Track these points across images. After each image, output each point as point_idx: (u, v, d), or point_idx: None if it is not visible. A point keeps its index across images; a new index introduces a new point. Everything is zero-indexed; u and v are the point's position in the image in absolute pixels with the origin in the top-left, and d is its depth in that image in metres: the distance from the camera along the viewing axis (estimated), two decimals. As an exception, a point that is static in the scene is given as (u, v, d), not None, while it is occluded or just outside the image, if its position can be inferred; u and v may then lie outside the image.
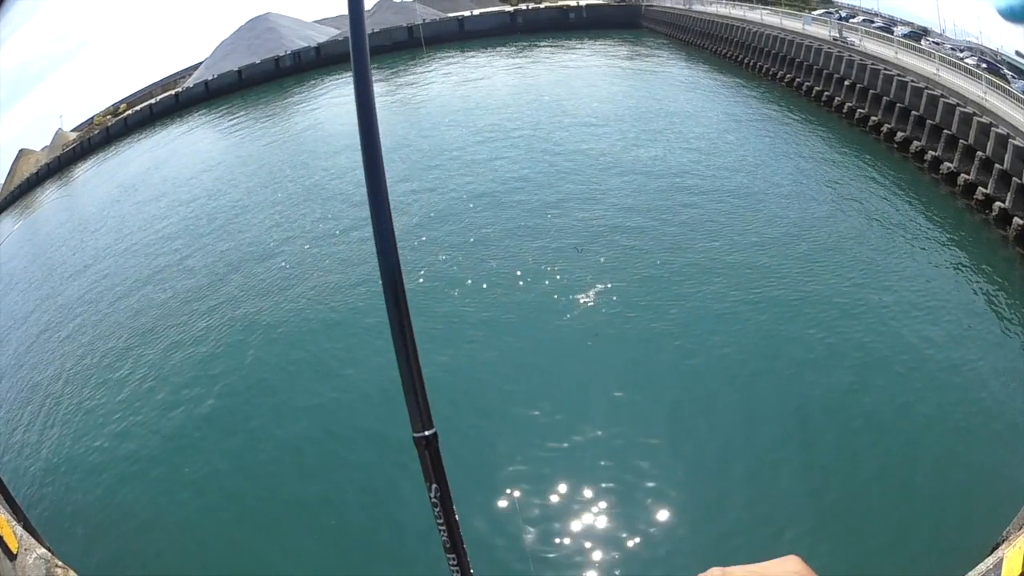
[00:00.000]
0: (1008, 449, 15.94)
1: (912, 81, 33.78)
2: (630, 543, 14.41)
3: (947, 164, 29.48)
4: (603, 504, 15.29)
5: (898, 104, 34.54)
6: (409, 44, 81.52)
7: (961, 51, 41.21)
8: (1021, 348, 19.67)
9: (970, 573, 9.35)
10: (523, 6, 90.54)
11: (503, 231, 28.61)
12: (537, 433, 17.43)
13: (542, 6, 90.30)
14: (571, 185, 32.64)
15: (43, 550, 11.83)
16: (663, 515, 14.92)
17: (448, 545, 2.05)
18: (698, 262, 24.77)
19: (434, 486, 2.03)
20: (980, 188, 26.92)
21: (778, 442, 16.70)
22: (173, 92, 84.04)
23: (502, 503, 15.53)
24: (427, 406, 2.02)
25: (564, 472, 16.11)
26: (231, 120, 65.09)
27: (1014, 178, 25.18)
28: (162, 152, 60.74)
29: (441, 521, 2.04)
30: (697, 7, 70.57)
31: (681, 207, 29.22)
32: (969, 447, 16.13)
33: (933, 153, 30.78)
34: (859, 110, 38.12)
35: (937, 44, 43.12)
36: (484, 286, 24.63)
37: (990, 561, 9.82)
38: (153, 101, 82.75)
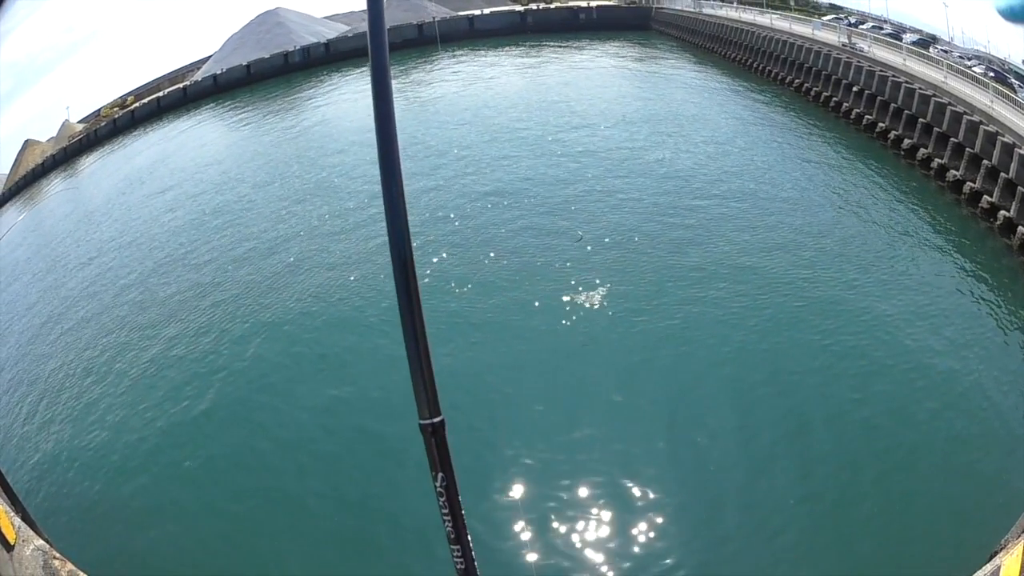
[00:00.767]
0: (1008, 458, 15.90)
1: (920, 88, 33.73)
2: (627, 542, 14.42)
3: (953, 172, 29.43)
4: (601, 504, 15.31)
5: (905, 111, 34.51)
6: (419, 42, 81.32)
7: (969, 59, 41.16)
8: (1023, 357, 19.61)
9: (968, 580, 9.34)
10: (533, 6, 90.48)
11: (508, 230, 28.61)
12: (538, 431, 17.44)
13: (552, 6, 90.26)
14: (577, 186, 32.61)
15: (41, 541, 11.82)
16: (660, 515, 14.94)
17: (452, 536, 2.10)
18: (702, 266, 24.73)
19: (440, 475, 2.06)
20: (985, 196, 26.88)
21: (777, 448, 16.67)
22: (181, 86, 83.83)
23: (500, 497, 15.55)
24: (435, 393, 2.05)
25: (563, 471, 16.15)
26: (239, 115, 65.00)
27: (1019, 187, 25.16)
28: (169, 145, 60.65)
29: (446, 511, 2.07)
30: (707, 10, 70.45)
31: (687, 210, 29.19)
32: (969, 455, 16.09)
33: (939, 161, 30.73)
34: (867, 116, 38.05)
35: (945, 52, 43.06)
36: (488, 283, 24.63)
37: (988, 569, 9.81)
38: (161, 94, 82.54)
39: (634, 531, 14.62)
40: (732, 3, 68.52)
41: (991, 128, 27.70)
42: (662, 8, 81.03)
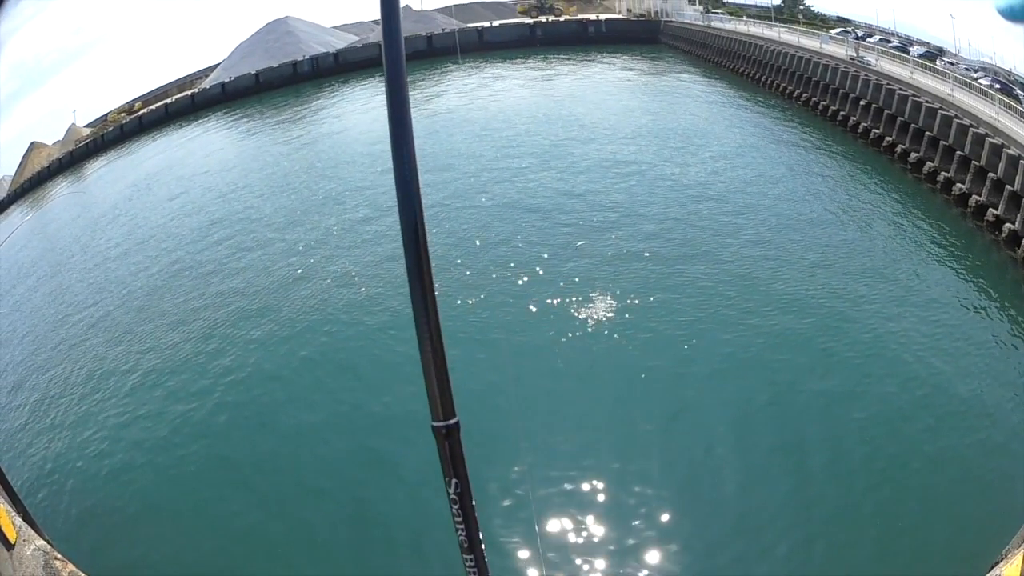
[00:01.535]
0: (1009, 469, 15.79)
1: (927, 101, 33.68)
2: (635, 551, 14.32)
3: (959, 185, 29.35)
4: (610, 511, 15.25)
5: (912, 124, 34.44)
6: (429, 53, 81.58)
7: (975, 71, 41.10)
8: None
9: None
10: (543, 19, 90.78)
11: (515, 241, 28.60)
12: (546, 437, 17.38)
13: (562, 19, 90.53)
14: (585, 200, 32.54)
15: (42, 542, 11.81)
16: (674, 524, 14.85)
17: (465, 545, 2.02)
18: (708, 279, 24.65)
19: (453, 481, 1.96)
20: (991, 209, 26.78)
21: (780, 457, 16.61)
22: (189, 93, 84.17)
23: (507, 505, 15.47)
24: (449, 393, 1.98)
25: (570, 477, 16.09)
26: (247, 124, 65.23)
27: (1024, 198, 25.11)
28: (177, 153, 60.84)
29: (459, 519, 1.97)
30: (716, 24, 70.57)
31: (694, 225, 29.08)
32: (970, 466, 16.00)
33: (946, 174, 30.65)
34: (874, 130, 38.00)
35: (952, 64, 43.01)
36: (491, 293, 24.62)
37: (989, 579, 9.75)
38: (169, 101, 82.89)
39: (643, 541, 14.50)
40: (741, 17, 68.67)
41: (996, 140, 27.64)
42: (671, 21, 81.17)
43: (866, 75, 40.34)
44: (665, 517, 15.02)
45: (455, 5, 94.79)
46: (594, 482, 15.99)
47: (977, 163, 28.59)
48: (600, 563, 14.12)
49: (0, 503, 12.56)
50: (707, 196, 32.36)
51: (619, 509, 15.33)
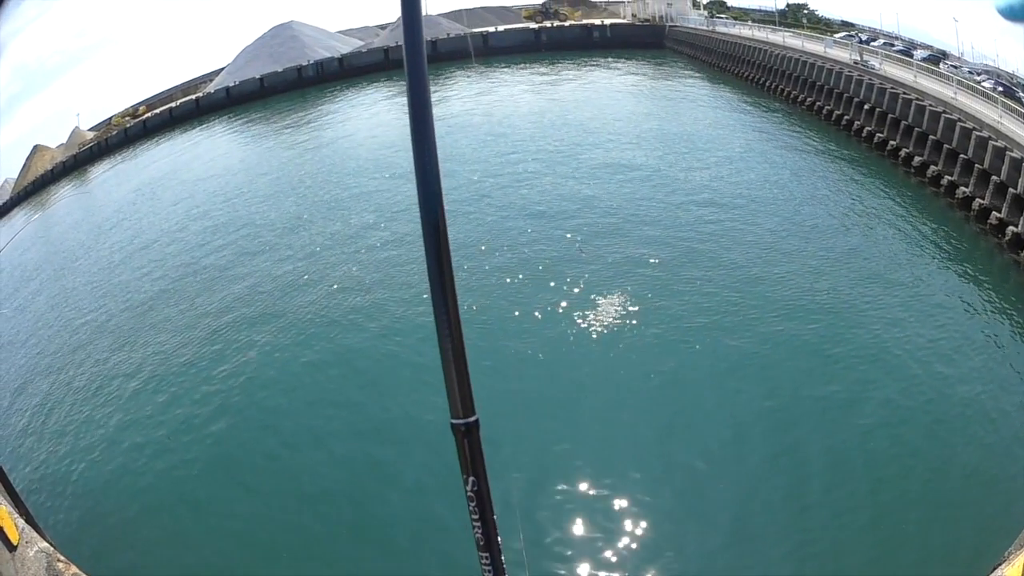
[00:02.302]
0: (1012, 472, 15.75)
1: (930, 105, 33.63)
2: (648, 552, 14.34)
3: (963, 189, 29.30)
4: (618, 510, 15.29)
5: (916, 128, 34.39)
6: (434, 58, 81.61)
7: (978, 74, 41.08)
8: (1028, 372, 19.48)
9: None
10: (548, 24, 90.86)
11: (517, 250, 28.57)
12: (541, 438, 17.38)
13: (566, 24, 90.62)
14: (591, 205, 32.51)
15: (44, 544, 11.85)
16: (686, 524, 14.91)
17: (482, 543, 2.01)
18: (709, 280, 24.71)
19: (471, 479, 1.95)
20: (994, 212, 26.73)
21: (780, 459, 16.59)
22: (194, 97, 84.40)
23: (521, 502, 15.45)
24: (469, 389, 1.92)
25: (562, 481, 16.07)
26: (252, 129, 65.35)
27: (1027, 201, 25.09)
28: (182, 157, 61.00)
29: (476, 516, 1.98)
30: (721, 29, 70.57)
31: (697, 229, 29.01)
32: (973, 470, 15.95)
33: (950, 178, 30.60)
34: (878, 134, 37.95)
35: (955, 68, 43.00)
36: (495, 295, 24.64)
37: (990, 581, 9.74)
38: (173, 105, 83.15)
39: (645, 542, 14.50)
40: (747, 21, 68.70)
41: (1000, 143, 27.58)
42: (676, 26, 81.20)
43: (870, 79, 40.29)
44: (670, 519, 15.03)
45: (459, 10, 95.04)
46: (592, 484, 15.99)
47: (980, 166, 28.54)
48: (601, 565, 14.12)
49: (3, 505, 12.60)
50: (711, 201, 32.32)
51: (622, 512, 15.32)
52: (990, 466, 16.03)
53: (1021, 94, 34.83)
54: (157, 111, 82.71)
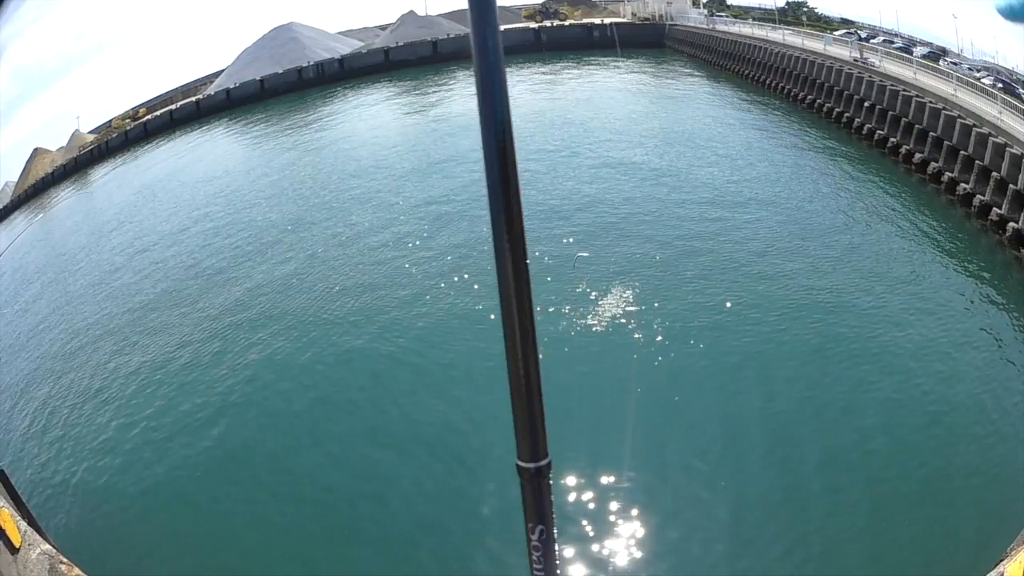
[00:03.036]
0: (1015, 466, 15.74)
1: (930, 102, 33.60)
2: (630, 553, 14.36)
3: (963, 185, 29.28)
4: (611, 513, 15.27)
5: (916, 125, 34.38)
6: (434, 59, 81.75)
7: (978, 71, 41.06)
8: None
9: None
10: (548, 24, 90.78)
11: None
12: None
13: (567, 24, 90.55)
14: (592, 205, 32.44)
15: (47, 546, 11.88)
16: (668, 527, 14.83)
17: None
18: (709, 279, 24.70)
19: (539, 528, 1.71)
20: (995, 209, 26.72)
21: (783, 458, 16.58)
22: (194, 99, 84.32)
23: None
24: (543, 427, 1.66)
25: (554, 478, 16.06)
26: (253, 131, 65.20)
27: (1028, 197, 25.08)
28: (182, 159, 60.98)
29: (540, 567, 1.75)
30: (720, 27, 70.48)
31: (696, 231, 28.85)
32: (976, 463, 15.96)
33: (950, 174, 30.58)
34: (878, 131, 37.91)
35: (955, 64, 42.97)
36: (492, 298, 24.56)
37: (991, 576, 9.73)
38: (174, 107, 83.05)
39: (654, 542, 14.51)
40: (747, 19, 68.65)
41: (1000, 139, 27.57)
42: (675, 25, 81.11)
43: (870, 76, 40.27)
44: (669, 518, 15.01)
45: (460, 10, 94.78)
46: (587, 481, 16.02)
47: (981, 163, 28.53)
48: (598, 564, 14.14)
49: (5, 508, 12.62)
50: (711, 200, 32.32)
51: (618, 510, 15.31)
52: (992, 462, 16.01)
53: (1021, 90, 34.77)
54: (157, 113, 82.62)
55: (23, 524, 12.42)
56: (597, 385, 19.58)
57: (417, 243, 30.42)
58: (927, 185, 32.29)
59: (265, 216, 38.80)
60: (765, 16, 70.38)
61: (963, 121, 30.55)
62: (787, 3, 77.15)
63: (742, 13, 77.13)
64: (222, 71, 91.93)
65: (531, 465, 1.66)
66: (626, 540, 14.58)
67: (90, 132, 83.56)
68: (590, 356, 21.04)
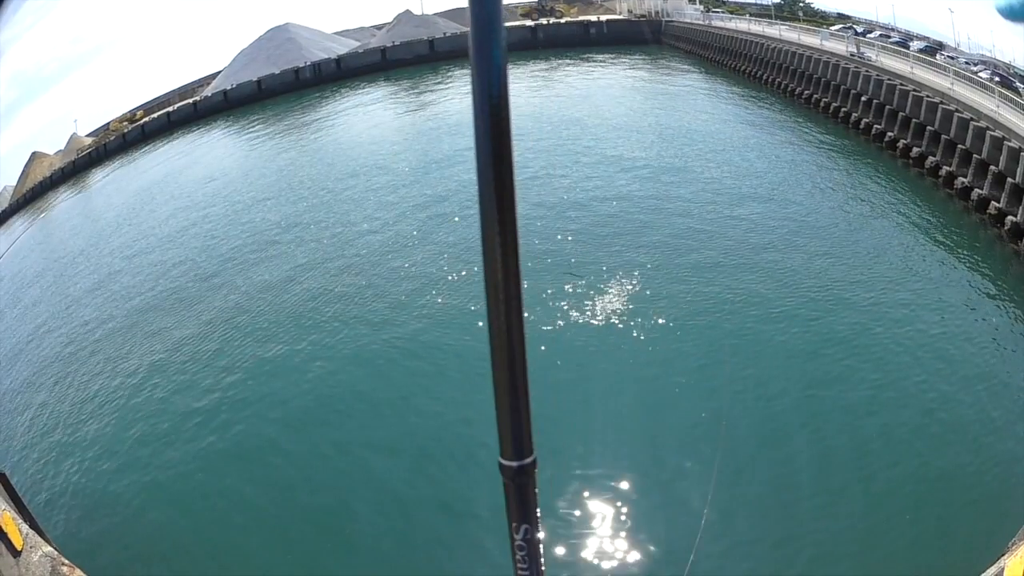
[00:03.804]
0: (1016, 462, 15.76)
1: (927, 96, 33.62)
2: (624, 550, 14.37)
3: (961, 179, 29.31)
4: (625, 513, 15.27)
5: (913, 119, 34.39)
6: (431, 57, 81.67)
7: (975, 65, 41.08)
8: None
9: (971, 581, 9.27)
10: (544, 21, 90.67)
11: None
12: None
13: (563, 21, 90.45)
14: (584, 207, 32.39)
15: (49, 548, 11.92)
16: (667, 527, 14.75)
17: None
18: (702, 274, 24.74)
19: (523, 527, 1.70)
20: (993, 203, 26.77)
21: (790, 456, 16.59)
22: (191, 100, 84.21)
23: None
24: (529, 426, 1.61)
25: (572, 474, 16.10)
26: (251, 132, 65.12)
27: (1025, 190, 25.10)
28: (181, 161, 60.92)
29: (524, 567, 1.74)
30: (717, 23, 70.45)
31: (693, 228, 28.88)
32: (977, 460, 15.99)
33: (948, 168, 30.62)
34: (875, 126, 37.92)
35: (952, 58, 42.99)
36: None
37: (992, 571, 9.76)
38: (171, 109, 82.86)
39: (653, 542, 14.49)
40: (744, 15, 68.61)
41: (997, 133, 27.58)
42: (672, 21, 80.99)
43: (867, 71, 40.24)
44: (669, 518, 14.99)
45: (456, 9, 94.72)
46: (582, 478, 16.04)
47: (978, 156, 28.55)
48: (588, 563, 14.19)
49: (7, 511, 12.65)
50: (708, 196, 32.31)
51: (614, 507, 15.40)
52: (992, 457, 16.05)
53: (1018, 84, 34.79)
54: (155, 115, 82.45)
55: (24, 526, 12.47)
56: (585, 380, 19.68)
57: (413, 243, 30.44)
58: (925, 179, 32.31)
59: (263, 217, 38.75)
60: (761, 12, 70.34)
61: (960, 115, 30.55)
62: (783, -2, 77.23)
63: (738, 9, 77.03)
64: (219, 72, 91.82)
65: (514, 463, 1.61)
66: (612, 539, 14.60)
67: (88, 135, 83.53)
68: (579, 350, 21.11)
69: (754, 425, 17.60)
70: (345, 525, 16.14)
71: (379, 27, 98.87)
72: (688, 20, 78.36)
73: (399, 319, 24.23)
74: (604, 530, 14.83)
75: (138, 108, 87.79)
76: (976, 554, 12.36)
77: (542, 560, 1.73)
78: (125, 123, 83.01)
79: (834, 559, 13.80)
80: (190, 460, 19.13)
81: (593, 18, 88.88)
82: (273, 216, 38.47)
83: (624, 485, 15.92)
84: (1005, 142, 26.85)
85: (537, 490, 1.65)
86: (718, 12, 75.59)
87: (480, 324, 21.90)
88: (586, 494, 15.68)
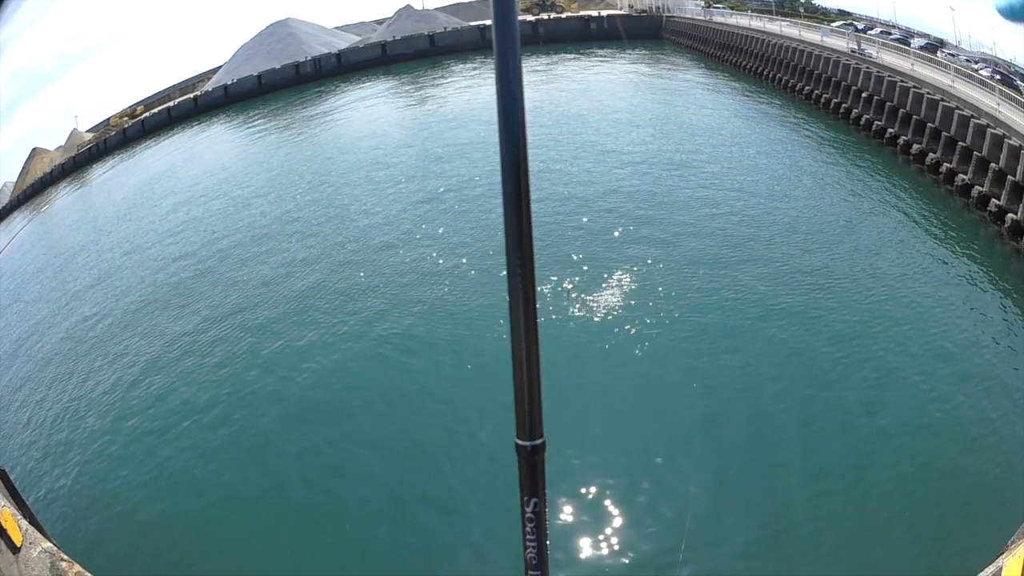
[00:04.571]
0: (1016, 460, 15.78)
1: (928, 93, 33.59)
2: (616, 548, 14.40)
3: (962, 176, 29.30)
4: (623, 513, 15.27)
5: (914, 116, 34.37)
6: (431, 52, 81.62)
7: (976, 62, 41.04)
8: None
9: (969, 581, 9.28)
10: (545, 16, 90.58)
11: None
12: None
13: (563, 16, 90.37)
14: (583, 205, 32.33)
15: (48, 544, 11.91)
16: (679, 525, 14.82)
17: (534, 562, 1.97)
18: (700, 271, 24.70)
19: (533, 500, 1.90)
20: (993, 200, 26.76)
21: (788, 455, 16.60)
22: (192, 96, 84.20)
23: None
24: (540, 408, 1.84)
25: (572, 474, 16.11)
26: (251, 127, 65.11)
27: (1026, 188, 25.09)
28: (181, 156, 60.92)
29: (532, 538, 1.93)
30: (718, 18, 70.39)
31: (693, 225, 28.81)
32: (977, 457, 16.00)
33: (948, 165, 30.61)
34: (876, 122, 37.90)
35: (952, 56, 42.96)
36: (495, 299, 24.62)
37: (990, 570, 9.76)
38: (171, 104, 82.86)
39: (653, 542, 14.50)
40: (745, 11, 68.52)
41: (998, 131, 27.56)
42: (673, 17, 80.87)
43: (867, 67, 40.20)
44: (668, 518, 15.04)
45: (456, 4, 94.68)
46: (579, 478, 16.02)
47: (979, 154, 28.52)
48: (580, 561, 14.21)
49: (6, 507, 12.65)
50: (709, 193, 32.23)
51: (612, 506, 15.41)
52: (991, 455, 16.06)
53: (1018, 82, 34.78)
54: (155, 111, 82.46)
55: (24, 523, 12.45)
56: (588, 371, 19.73)
57: (413, 237, 30.44)
58: (925, 176, 32.30)
59: (263, 212, 38.76)
60: (762, 8, 70.25)
61: (961, 112, 30.54)
62: (784, -6, 77.12)
63: (739, 4, 76.93)
64: (219, 68, 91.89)
65: (527, 443, 1.82)
66: (616, 534, 14.65)
67: (88, 131, 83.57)
68: (583, 343, 21.11)
69: (750, 422, 17.63)
70: (342, 521, 16.18)
71: (380, 22, 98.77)
72: (689, 15, 78.23)
73: (397, 314, 24.22)
74: (596, 521, 14.91)
75: (138, 104, 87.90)
76: (974, 553, 12.36)
77: (547, 532, 1.91)
78: (125, 119, 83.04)
79: (832, 558, 13.81)
80: (189, 456, 19.15)
81: (594, 13, 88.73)
82: (273, 211, 38.47)
83: (615, 479, 15.98)
84: (1005, 140, 26.84)
85: (546, 471, 1.85)
86: (719, 8, 75.42)
87: (476, 319, 22.22)
88: (579, 487, 15.72)
